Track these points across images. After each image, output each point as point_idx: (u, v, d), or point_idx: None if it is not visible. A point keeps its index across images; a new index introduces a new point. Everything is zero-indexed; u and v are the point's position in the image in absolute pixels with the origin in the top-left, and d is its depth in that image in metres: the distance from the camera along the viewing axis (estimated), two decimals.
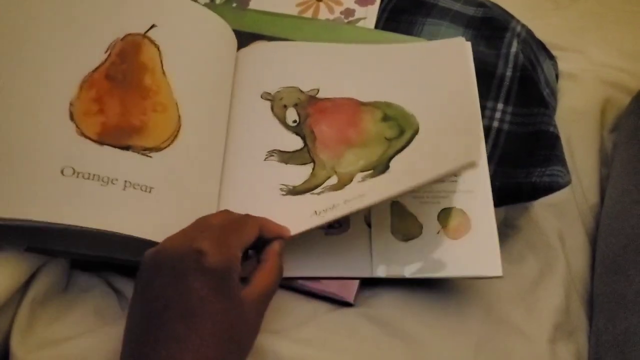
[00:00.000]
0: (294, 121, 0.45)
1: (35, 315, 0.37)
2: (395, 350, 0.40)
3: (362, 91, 0.46)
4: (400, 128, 0.44)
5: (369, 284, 0.43)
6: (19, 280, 0.36)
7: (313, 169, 0.43)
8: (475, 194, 0.42)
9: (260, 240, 0.36)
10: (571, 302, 0.47)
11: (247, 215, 0.36)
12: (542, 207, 0.51)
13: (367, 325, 0.41)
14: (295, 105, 0.46)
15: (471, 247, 0.40)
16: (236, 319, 0.32)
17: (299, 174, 0.43)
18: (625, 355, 0.40)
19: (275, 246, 0.36)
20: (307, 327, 0.40)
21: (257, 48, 0.49)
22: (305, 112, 0.45)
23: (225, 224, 0.34)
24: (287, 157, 0.44)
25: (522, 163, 0.47)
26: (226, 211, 0.38)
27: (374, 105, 0.45)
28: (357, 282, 0.42)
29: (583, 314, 0.47)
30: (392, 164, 0.41)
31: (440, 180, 0.40)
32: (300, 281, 0.41)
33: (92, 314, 0.38)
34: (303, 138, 0.44)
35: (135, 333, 0.31)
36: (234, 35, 0.48)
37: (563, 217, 0.51)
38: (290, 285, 0.42)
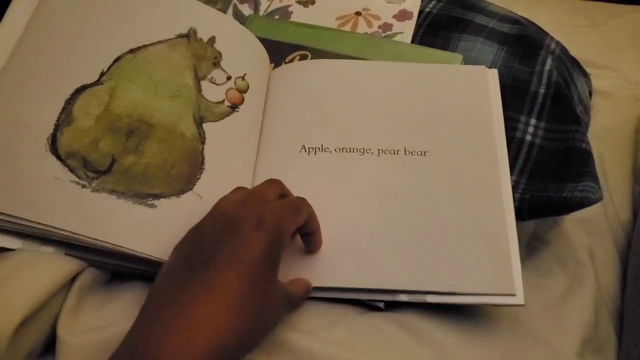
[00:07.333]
0: None
1: (81, 302, 0.39)
2: (422, 357, 0.40)
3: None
4: None
5: None
6: (70, 273, 0.38)
7: None
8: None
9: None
10: (600, 318, 0.47)
11: (301, 199, 0.38)
12: (572, 222, 0.51)
13: (396, 330, 0.41)
14: None
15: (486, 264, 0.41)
16: (271, 290, 0.34)
17: None
18: None
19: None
20: (337, 329, 0.41)
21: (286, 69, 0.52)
22: None
23: (284, 202, 0.37)
24: None
25: (554, 178, 0.47)
26: (278, 184, 0.39)
27: None
28: None
29: (612, 331, 0.47)
30: None
31: None
32: None
33: (133, 303, 0.39)
34: None
35: (173, 280, 0.33)
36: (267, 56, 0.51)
37: (594, 233, 0.51)
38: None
